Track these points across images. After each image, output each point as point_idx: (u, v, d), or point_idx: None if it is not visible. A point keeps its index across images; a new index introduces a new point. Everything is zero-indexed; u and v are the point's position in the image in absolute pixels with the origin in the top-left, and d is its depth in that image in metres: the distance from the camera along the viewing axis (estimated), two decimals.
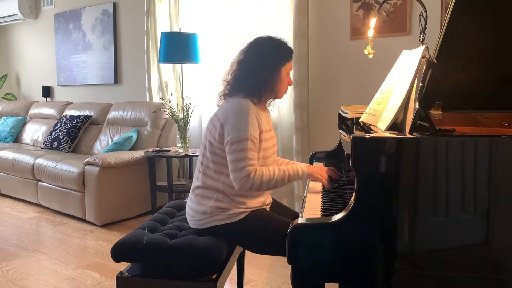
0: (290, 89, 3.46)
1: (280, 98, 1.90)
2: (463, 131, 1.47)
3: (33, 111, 5.59)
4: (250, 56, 1.82)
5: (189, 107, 3.73)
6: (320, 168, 1.89)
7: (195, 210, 1.81)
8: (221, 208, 1.76)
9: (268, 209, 1.93)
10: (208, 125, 1.82)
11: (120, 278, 1.72)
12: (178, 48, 3.70)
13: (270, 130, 1.89)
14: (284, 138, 3.61)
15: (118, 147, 4.06)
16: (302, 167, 1.83)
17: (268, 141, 1.84)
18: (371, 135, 1.30)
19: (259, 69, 1.78)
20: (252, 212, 1.79)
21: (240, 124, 1.70)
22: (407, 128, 1.32)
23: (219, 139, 1.75)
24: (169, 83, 4.42)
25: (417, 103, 1.31)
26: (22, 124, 5.55)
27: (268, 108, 1.96)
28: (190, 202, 1.86)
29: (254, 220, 1.77)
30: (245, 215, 1.77)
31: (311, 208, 1.65)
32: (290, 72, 1.88)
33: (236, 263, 2.28)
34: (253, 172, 1.69)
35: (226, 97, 1.85)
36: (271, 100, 1.91)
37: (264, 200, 1.87)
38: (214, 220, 1.77)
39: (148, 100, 4.49)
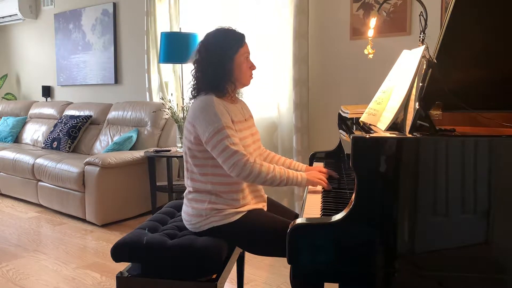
0: (290, 89, 3.47)
1: (246, 85, 1.87)
2: (463, 131, 1.47)
3: (33, 111, 5.59)
4: (202, 53, 1.82)
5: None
6: (319, 172, 1.87)
7: (190, 214, 1.81)
8: (216, 209, 1.76)
9: (265, 209, 1.91)
10: (184, 133, 1.83)
11: (120, 278, 1.72)
12: (178, 48, 3.70)
13: (246, 120, 1.88)
14: (284, 138, 3.61)
15: (118, 147, 4.06)
16: (302, 173, 1.80)
17: (244, 131, 1.83)
18: (371, 135, 1.30)
19: (212, 64, 1.78)
20: (249, 212, 1.78)
21: (211, 117, 1.70)
22: (407, 128, 1.32)
23: (195, 141, 1.75)
24: (169, 83, 4.43)
25: (417, 103, 1.31)
26: (22, 124, 5.55)
27: (241, 99, 1.95)
28: (185, 207, 1.86)
29: (252, 220, 1.76)
30: (241, 215, 1.76)
31: (311, 208, 1.65)
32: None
33: (236, 263, 2.27)
34: (251, 157, 1.68)
35: (193, 99, 1.86)
36: (238, 89, 1.90)
37: (259, 197, 1.86)
38: (211, 222, 1.76)
39: (148, 100, 4.49)
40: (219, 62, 1.77)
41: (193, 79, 1.85)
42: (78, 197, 3.75)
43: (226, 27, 1.83)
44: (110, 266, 2.82)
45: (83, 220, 3.78)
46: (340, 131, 2.12)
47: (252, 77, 1.87)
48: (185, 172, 1.86)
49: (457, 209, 1.25)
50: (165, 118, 4.19)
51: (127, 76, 5.03)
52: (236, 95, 1.92)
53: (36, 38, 6.15)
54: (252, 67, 1.85)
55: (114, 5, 5.01)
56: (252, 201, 1.83)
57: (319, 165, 2.20)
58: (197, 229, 1.80)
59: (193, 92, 1.86)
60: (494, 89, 1.60)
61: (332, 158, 2.33)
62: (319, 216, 1.55)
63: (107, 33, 5.11)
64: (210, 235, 1.77)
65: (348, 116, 1.98)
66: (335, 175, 1.95)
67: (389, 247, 1.27)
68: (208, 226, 1.77)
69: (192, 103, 1.84)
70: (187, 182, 1.85)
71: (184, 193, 1.88)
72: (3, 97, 6.51)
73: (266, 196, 1.96)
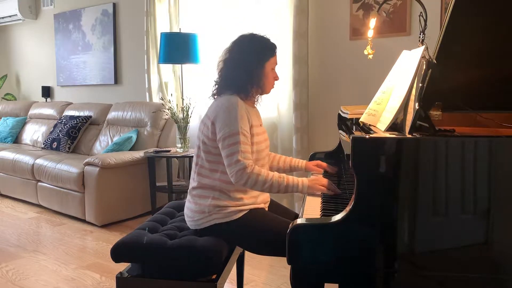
0: (290, 89, 3.47)
1: (267, 93, 1.90)
2: (463, 131, 1.47)
3: (33, 111, 5.59)
4: (235, 54, 1.84)
5: (188, 108, 3.73)
6: (320, 179, 1.84)
7: (193, 210, 1.81)
8: (219, 206, 1.77)
9: (267, 209, 1.92)
10: (200, 126, 1.84)
11: (120, 279, 1.72)
12: (178, 48, 3.70)
13: (260, 125, 1.91)
14: (284, 138, 3.61)
15: (118, 147, 4.06)
16: (304, 180, 1.77)
17: (260, 136, 1.86)
18: (371, 135, 1.30)
19: (244, 66, 1.80)
20: (251, 211, 1.79)
21: (230, 119, 1.72)
22: (407, 129, 1.32)
23: (212, 137, 1.76)
24: (169, 84, 4.43)
25: (417, 104, 1.31)
26: (22, 125, 5.55)
27: (256, 106, 1.96)
28: (188, 203, 1.86)
29: (253, 219, 1.77)
30: (243, 213, 1.77)
31: (311, 208, 1.65)
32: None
33: (236, 263, 2.28)
34: (249, 167, 1.69)
35: (215, 96, 1.87)
36: (259, 96, 1.92)
37: (261, 197, 1.87)
38: (213, 219, 1.77)
39: (148, 100, 4.49)
40: (251, 65, 1.81)
41: (219, 77, 1.86)
42: (78, 198, 3.74)
43: (261, 34, 1.88)
44: (110, 266, 2.82)
45: (83, 221, 3.77)
46: (340, 131, 2.12)
47: (273, 87, 1.91)
48: (193, 166, 1.87)
49: (456, 209, 1.25)
50: (165, 119, 4.19)
51: (126, 76, 5.03)
52: (255, 102, 1.94)
53: (36, 39, 6.15)
54: (276, 78, 1.89)
55: (114, 5, 5.01)
56: (256, 200, 1.84)
57: (317, 162, 2.17)
58: (199, 226, 1.80)
59: (216, 89, 1.87)
60: (493, 89, 1.60)
61: (332, 158, 2.32)
62: (319, 216, 1.55)
63: (107, 34, 5.11)
64: (211, 233, 1.78)
65: (348, 116, 1.98)
66: (332, 170, 1.96)
67: (389, 247, 1.27)
68: (209, 223, 1.78)
69: (215, 100, 1.85)
70: (193, 177, 1.85)
71: (188, 190, 1.88)
72: (3, 98, 6.51)
73: (269, 197, 1.97)
